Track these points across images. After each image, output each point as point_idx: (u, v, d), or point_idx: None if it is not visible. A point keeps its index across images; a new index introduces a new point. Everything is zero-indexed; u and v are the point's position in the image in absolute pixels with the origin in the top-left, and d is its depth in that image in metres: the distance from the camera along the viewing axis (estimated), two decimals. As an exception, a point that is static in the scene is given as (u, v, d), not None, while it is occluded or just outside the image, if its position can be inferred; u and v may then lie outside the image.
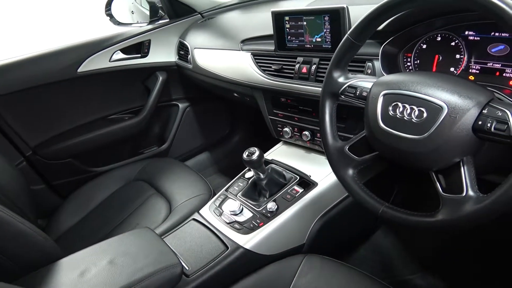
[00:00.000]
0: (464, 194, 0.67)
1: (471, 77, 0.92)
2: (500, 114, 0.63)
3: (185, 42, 1.72)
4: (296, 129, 1.32)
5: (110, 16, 1.81)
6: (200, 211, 1.20)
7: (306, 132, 1.27)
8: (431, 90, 0.71)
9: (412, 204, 0.74)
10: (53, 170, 1.67)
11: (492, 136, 0.64)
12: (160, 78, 1.80)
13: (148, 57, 1.76)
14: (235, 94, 1.56)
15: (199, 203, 1.28)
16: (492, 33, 0.88)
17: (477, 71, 0.92)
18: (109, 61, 1.67)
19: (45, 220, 1.54)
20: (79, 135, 1.68)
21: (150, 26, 1.79)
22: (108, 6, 1.80)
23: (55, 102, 1.63)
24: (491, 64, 0.89)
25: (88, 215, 1.44)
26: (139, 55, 1.75)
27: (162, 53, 1.80)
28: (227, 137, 2.19)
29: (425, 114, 0.70)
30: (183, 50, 1.75)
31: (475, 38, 0.91)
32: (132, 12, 2.34)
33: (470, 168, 0.68)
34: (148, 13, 1.88)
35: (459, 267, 1.31)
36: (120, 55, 1.71)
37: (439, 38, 0.97)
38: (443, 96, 0.69)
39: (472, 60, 0.92)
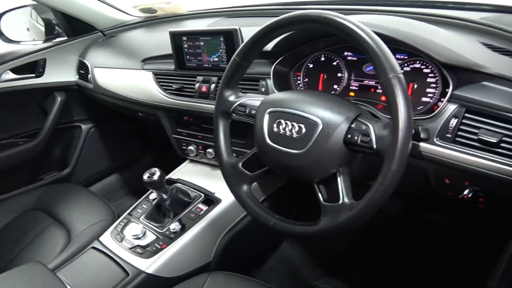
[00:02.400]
0: (340, 202, 0.72)
1: (352, 94, 1.02)
2: (365, 128, 0.71)
3: (85, 61, 1.65)
4: (200, 147, 1.32)
5: (-1, 33, 1.67)
6: (100, 238, 1.14)
7: (210, 150, 1.28)
8: (308, 107, 0.77)
9: (311, 216, 0.78)
10: None
11: (359, 148, 0.71)
12: (59, 98, 1.69)
13: (43, 77, 1.65)
14: (140, 114, 1.52)
15: (100, 229, 1.21)
16: (365, 54, 0.98)
17: (356, 88, 1.01)
18: (-3, 81, 1.53)
19: None
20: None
21: (45, 44, 1.68)
22: (-4, 22, 1.66)
23: None
24: (367, 81, 0.99)
25: (-25, 253, 1.28)
26: (33, 74, 1.63)
27: (60, 73, 1.70)
28: (138, 157, 2.12)
29: (303, 130, 0.76)
30: (83, 69, 1.67)
31: (353, 58, 1.01)
32: (28, 29, 2.18)
33: (346, 178, 0.75)
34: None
35: (359, 268, 1.41)
36: (11, 75, 1.57)
37: (323, 58, 1.05)
38: (318, 112, 0.75)
39: (352, 78, 1.02)
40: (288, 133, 0.77)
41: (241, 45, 0.85)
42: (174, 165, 1.43)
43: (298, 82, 1.09)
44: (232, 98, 0.90)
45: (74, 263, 1.07)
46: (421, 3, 1.13)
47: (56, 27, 1.77)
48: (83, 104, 1.82)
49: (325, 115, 0.74)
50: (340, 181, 0.74)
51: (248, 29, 1.11)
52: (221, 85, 0.90)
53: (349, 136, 0.72)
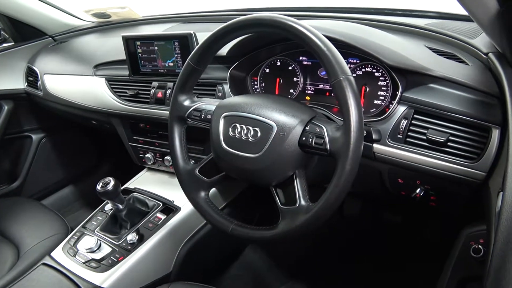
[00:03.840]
0: (297, 204, 0.72)
1: (308, 97, 1.03)
2: (318, 130, 0.71)
3: (34, 67, 1.57)
4: (158, 154, 1.29)
5: None
6: (52, 254, 1.07)
7: (168, 157, 1.26)
8: (263, 111, 0.76)
9: (273, 221, 0.78)
10: None
11: (313, 150, 0.71)
12: (6, 107, 1.60)
13: (-12, 85, 1.55)
14: (94, 122, 1.47)
15: (52, 244, 1.14)
16: (320, 58, 0.99)
17: (312, 92, 1.02)
18: None
19: None
20: None
21: (-11, 50, 1.59)
22: None
23: None
24: (322, 85, 1.01)
25: None
26: (-24, 82, 1.53)
27: (6, 80, 1.60)
28: (94, 168, 2.03)
29: (259, 134, 0.75)
30: (32, 76, 1.59)
31: (308, 63, 1.02)
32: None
33: (302, 180, 0.75)
34: (-12, 35, 1.67)
35: (323, 271, 1.42)
36: (-51, 82, 1.47)
37: (279, 63, 1.06)
38: (272, 116, 0.75)
39: (307, 82, 1.03)
40: (244, 137, 0.77)
41: (195, 49, 0.84)
42: (133, 175, 1.38)
43: (255, 86, 1.09)
44: (187, 103, 0.88)
45: (23, 282, 1.00)
46: (372, 9, 1.16)
47: (2, 32, 1.68)
48: (33, 113, 1.73)
49: (280, 118, 0.74)
50: (296, 183, 0.74)
51: (204, 34, 1.09)
52: (175, 90, 0.88)
53: (303, 138, 0.72)
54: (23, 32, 1.64)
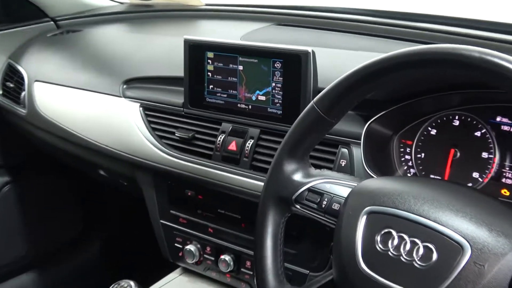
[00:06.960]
0: None
1: (505, 192, 1.01)
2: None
3: (18, 67, 1.70)
4: (208, 248, 1.32)
5: None
6: None
7: (226, 257, 1.27)
8: (445, 214, 0.75)
9: None
10: None
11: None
12: None
13: None
14: (102, 172, 1.53)
15: None
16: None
17: (515, 183, 1.01)
18: None
19: None
20: None
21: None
22: None
23: None
24: (536, 172, 0.99)
25: None
26: None
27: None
28: (77, 242, 2.11)
29: (434, 256, 0.74)
30: (12, 81, 1.71)
31: (511, 129, 1.01)
32: None
33: None
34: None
35: None
36: None
37: (456, 122, 1.05)
38: (465, 227, 0.74)
39: (507, 163, 1.01)
40: (404, 257, 0.75)
41: (328, 88, 0.85)
42: (141, 271, 1.41)
43: (407, 157, 1.09)
44: (298, 176, 0.90)
45: None
46: None
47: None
48: None
49: (478, 234, 0.73)
50: None
51: (322, 51, 1.13)
52: (281, 151, 0.90)
53: None
54: (13, 9, 1.79)
